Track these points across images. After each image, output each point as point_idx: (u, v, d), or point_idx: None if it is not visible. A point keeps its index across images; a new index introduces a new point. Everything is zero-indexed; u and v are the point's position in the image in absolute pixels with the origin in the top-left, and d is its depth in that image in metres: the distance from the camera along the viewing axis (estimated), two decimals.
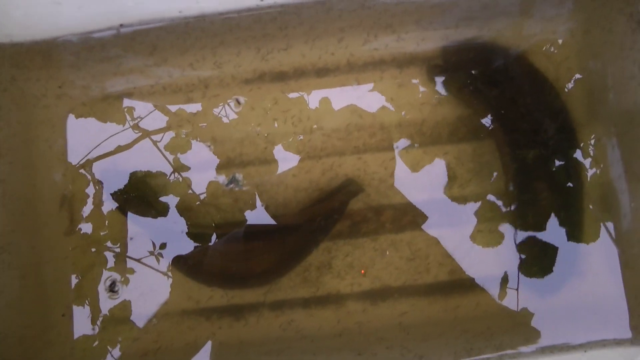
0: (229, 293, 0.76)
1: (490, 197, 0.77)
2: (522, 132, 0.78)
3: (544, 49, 0.78)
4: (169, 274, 0.73)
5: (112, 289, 0.73)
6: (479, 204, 0.76)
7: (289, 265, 0.78)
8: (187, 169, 0.77)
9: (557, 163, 0.77)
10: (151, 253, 0.73)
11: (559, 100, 0.77)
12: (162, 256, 0.74)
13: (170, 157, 0.74)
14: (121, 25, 0.73)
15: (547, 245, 0.74)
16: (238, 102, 0.75)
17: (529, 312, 0.71)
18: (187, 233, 0.75)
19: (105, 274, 0.73)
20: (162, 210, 0.73)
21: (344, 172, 0.77)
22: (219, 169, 0.76)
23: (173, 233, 0.73)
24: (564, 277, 0.71)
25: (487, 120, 0.78)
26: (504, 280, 0.73)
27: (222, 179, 0.75)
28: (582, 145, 0.77)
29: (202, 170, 0.76)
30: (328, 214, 0.77)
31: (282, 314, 0.76)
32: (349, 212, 0.77)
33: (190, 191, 0.74)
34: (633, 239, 0.71)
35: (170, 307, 0.75)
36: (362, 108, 0.78)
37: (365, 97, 0.78)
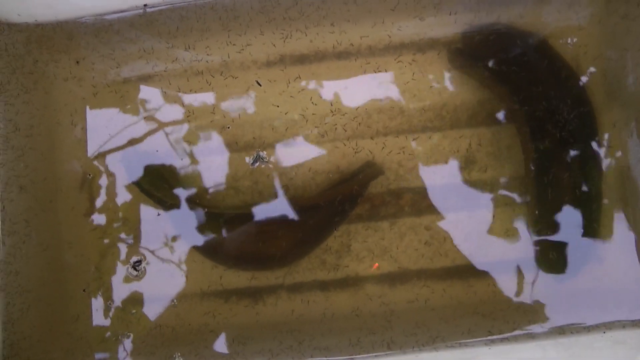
0: (247, 274, 0.77)
1: (510, 182, 0.75)
2: (542, 117, 0.77)
3: (563, 34, 0.77)
4: (190, 257, 0.73)
5: (135, 267, 0.72)
6: (498, 188, 0.76)
7: (308, 248, 0.78)
8: (202, 151, 0.75)
9: (577, 148, 0.75)
10: (166, 243, 0.73)
11: (579, 84, 0.77)
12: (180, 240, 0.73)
13: (187, 144, 0.74)
14: (145, 5, 0.71)
15: (561, 243, 0.74)
16: (258, 83, 0.73)
17: (546, 295, 0.70)
18: (206, 214, 0.74)
19: (129, 253, 0.73)
20: (179, 194, 0.73)
21: (364, 155, 0.77)
22: (240, 150, 0.75)
23: (192, 216, 0.73)
24: (582, 261, 0.71)
25: (507, 104, 0.78)
26: (522, 264, 0.72)
27: (247, 159, 0.73)
28: (601, 130, 0.76)
29: (222, 153, 0.76)
30: (347, 197, 0.77)
31: (300, 296, 0.76)
32: (369, 195, 0.77)
33: (207, 172, 0.74)
34: None
35: (189, 289, 0.74)
36: (382, 91, 0.78)
37: (385, 81, 0.78)
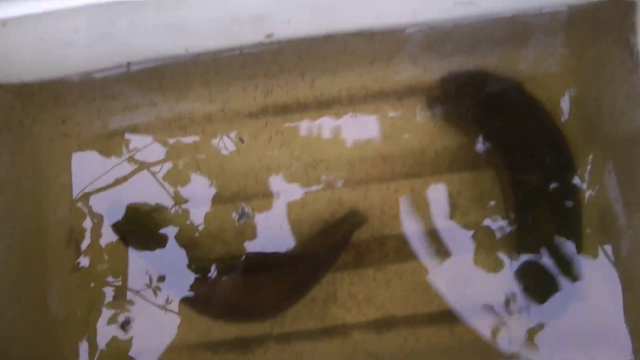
0: (235, 327, 0.77)
1: (491, 224, 0.77)
2: (520, 159, 0.79)
3: (539, 79, 0.80)
4: (176, 309, 0.74)
5: (124, 327, 0.73)
6: (480, 231, 0.77)
7: (294, 298, 0.79)
8: (186, 201, 0.77)
9: (556, 188, 0.77)
10: (148, 286, 0.74)
11: (556, 126, 0.79)
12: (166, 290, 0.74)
13: (171, 190, 0.76)
14: (129, 63, 0.74)
15: (547, 272, 0.75)
16: (241, 140, 0.76)
17: (532, 335, 0.72)
18: (189, 266, 0.75)
19: (113, 311, 0.74)
20: (163, 243, 0.75)
21: (348, 204, 0.78)
22: (224, 202, 0.77)
23: (176, 267, 0.74)
24: (565, 301, 0.72)
25: (485, 149, 0.80)
26: (507, 305, 0.73)
27: (232, 213, 0.76)
28: (579, 170, 0.78)
29: (205, 204, 0.78)
30: (332, 246, 0.79)
31: (289, 347, 0.77)
32: (353, 242, 0.78)
33: (191, 223, 0.75)
34: (632, 263, 0.73)
35: (177, 342, 0.75)
36: (364, 140, 0.80)
37: (366, 129, 0.80)
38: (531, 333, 0.74)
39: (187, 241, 0.78)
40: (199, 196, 0.80)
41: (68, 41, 0.66)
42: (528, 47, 0.80)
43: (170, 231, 0.78)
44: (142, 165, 0.78)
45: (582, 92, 0.80)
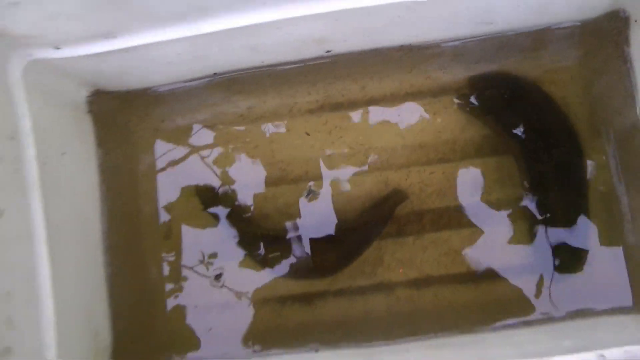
0: (301, 283, 0.88)
1: (510, 201, 0.86)
2: (535, 149, 0.88)
3: (553, 79, 0.88)
4: (255, 270, 0.87)
5: (217, 279, 0.86)
6: (501, 206, 0.86)
7: (349, 260, 0.88)
8: (267, 184, 0.88)
9: (566, 172, 0.87)
10: (202, 263, 0.87)
11: (567, 121, 0.87)
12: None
13: (262, 174, 0.88)
14: (215, 74, 0.84)
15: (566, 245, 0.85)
16: (307, 133, 0.87)
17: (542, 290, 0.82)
18: (266, 235, 0.87)
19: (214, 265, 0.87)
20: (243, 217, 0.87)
21: (392, 184, 0.88)
22: (291, 183, 0.88)
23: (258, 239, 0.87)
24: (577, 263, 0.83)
25: (505, 140, 0.89)
26: (523, 269, 0.84)
27: (303, 193, 0.87)
28: (586, 157, 0.87)
29: (278, 185, 0.88)
30: (379, 218, 0.88)
31: (344, 299, 0.87)
32: (396, 216, 0.87)
33: (265, 200, 0.87)
34: (630, 231, 0.83)
35: (256, 297, 0.87)
36: (405, 130, 0.89)
37: (407, 122, 0.89)
38: (547, 291, 0.83)
39: (265, 218, 0.89)
40: (271, 180, 0.90)
41: (171, 61, 0.77)
42: (543, 55, 0.88)
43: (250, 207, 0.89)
44: (224, 154, 0.89)
45: (588, 93, 0.87)
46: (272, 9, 0.67)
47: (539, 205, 0.87)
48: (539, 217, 0.87)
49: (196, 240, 0.89)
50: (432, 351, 0.77)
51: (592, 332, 0.76)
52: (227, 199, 0.90)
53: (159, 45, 0.72)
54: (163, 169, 0.90)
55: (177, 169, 0.90)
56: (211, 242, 0.90)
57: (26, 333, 0.67)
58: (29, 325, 0.67)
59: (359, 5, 0.67)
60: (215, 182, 0.89)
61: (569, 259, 0.86)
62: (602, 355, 0.66)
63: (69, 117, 0.79)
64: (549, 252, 0.85)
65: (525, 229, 0.87)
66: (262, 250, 0.90)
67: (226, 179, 0.89)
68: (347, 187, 0.89)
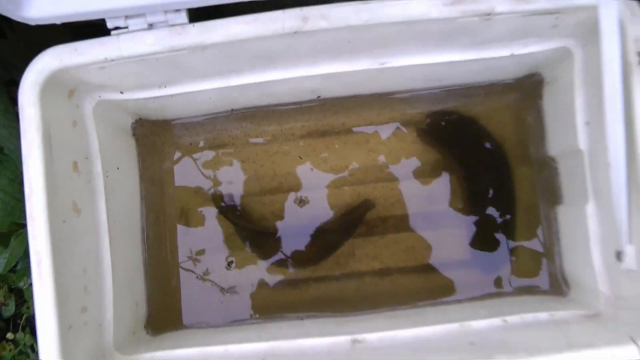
0: (291, 271, 0.99)
1: (453, 210, 0.99)
2: (475, 171, 1.00)
3: (490, 117, 0.99)
4: (252, 260, 1.00)
5: (229, 265, 0.99)
6: (447, 216, 0.99)
7: (328, 254, 1.00)
8: (267, 193, 0.99)
9: (497, 189, 1.00)
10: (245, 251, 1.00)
11: (500, 150, 0.99)
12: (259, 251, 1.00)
13: (263, 185, 0.99)
14: (232, 110, 0.96)
15: (496, 240, 0.98)
16: (300, 157, 0.98)
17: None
18: (263, 232, 0.99)
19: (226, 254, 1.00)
20: (246, 218, 1.00)
21: (363, 195, 1.00)
22: (287, 192, 1.00)
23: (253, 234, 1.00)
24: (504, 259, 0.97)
25: (452, 164, 1.00)
26: (460, 263, 0.98)
27: (293, 200, 1.00)
28: (515, 178, 0.99)
29: (274, 194, 1.00)
30: (353, 221, 0.99)
31: (323, 285, 0.98)
32: (366, 220, 0.99)
33: (263, 205, 0.99)
34: (548, 243, 0.96)
35: (256, 280, 0.99)
36: (375, 154, 1.00)
37: (376, 148, 1.00)
38: (476, 278, 0.96)
39: (264, 219, 1.00)
40: (271, 189, 1.00)
41: (202, 101, 0.89)
42: (483, 101, 0.99)
43: (250, 211, 1.00)
44: (234, 166, 1.01)
45: (516, 130, 0.99)
46: (281, 71, 0.83)
47: (476, 215, 0.99)
48: (476, 224, 0.99)
49: (209, 235, 1.01)
50: (388, 320, 0.89)
51: (504, 306, 0.89)
52: (234, 204, 1.01)
53: (196, 92, 0.85)
54: (185, 179, 1.02)
55: (197, 179, 1.01)
56: (221, 237, 1.02)
57: (95, 299, 0.81)
58: (96, 293, 0.83)
59: (342, 70, 0.84)
60: (227, 191, 1.01)
61: (497, 262, 0.98)
62: (505, 320, 0.82)
63: (120, 140, 0.92)
64: (484, 251, 0.99)
65: (465, 232, 0.98)
66: (260, 245, 1.01)
67: (236, 188, 1.01)
68: (328, 197, 1.00)
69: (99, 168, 0.85)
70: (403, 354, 0.80)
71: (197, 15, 0.73)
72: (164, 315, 0.97)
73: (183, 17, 0.72)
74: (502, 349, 0.75)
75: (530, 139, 0.98)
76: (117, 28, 0.73)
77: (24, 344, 1.18)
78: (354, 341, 0.84)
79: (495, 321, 0.83)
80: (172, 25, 0.73)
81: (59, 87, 0.77)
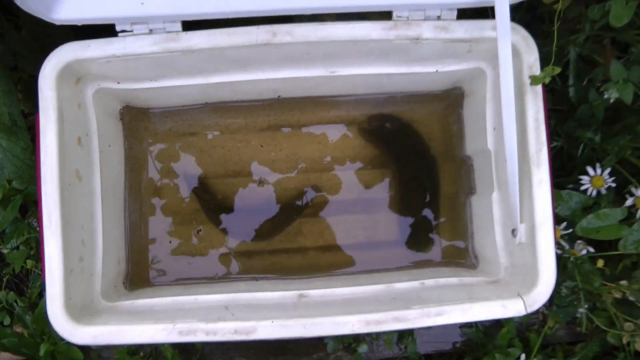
0: (246, 244, 1.13)
1: (389, 199, 1.13)
2: (407, 165, 1.13)
3: (422, 121, 1.12)
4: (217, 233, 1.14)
5: (198, 232, 1.11)
6: (381, 203, 1.12)
7: (280, 230, 1.13)
8: (231, 176, 1.12)
9: (426, 180, 1.14)
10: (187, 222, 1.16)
11: (429, 150, 1.13)
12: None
13: (229, 168, 1.13)
14: (206, 103, 1.10)
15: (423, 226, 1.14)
16: (261, 145, 1.11)
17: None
18: (226, 208, 1.12)
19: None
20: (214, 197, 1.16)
21: (312, 182, 1.13)
22: (248, 175, 1.12)
23: (222, 211, 1.13)
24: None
25: (388, 159, 1.14)
26: (392, 242, 1.12)
27: (256, 182, 1.13)
28: (441, 172, 1.13)
29: (237, 177, 1.13)
30: (302, 203, 1.12)
31: (274, 257, 1.11)
32: (313, 203, 1.13)
33: (227, 186, 1.13)
34: (473, 231, 1.10)
35: (218, 248, 1.12)
36: (323, 147, 1.14)
37: (324, 141, 1.13)
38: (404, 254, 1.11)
39: (228, 198, 1.13)
40: (236, 172, 1.12)
41: (181, 94, 1.03)
42: (417, 107, 1.13)
43: (218, 191, 1.13)
44: (204, 150, 1.13)
45: (443, 133, 1.13)
46: (251, 74, 0.97)
47: (406, 202, 1.13)
48: (406, 210, 1.13)
49: (179, 209, 1.13)
50: (327, 282, 1.05)
51: (424, 274, 1.04)
52: (202, 183, 1.13)
53: (180, 87, 1.00)
54: (161, 158, 1.13)
55: (171, 160, 1.13)
56: (190, 211, 1.14)
57: (89, 251, 0.95)
58: (90, 247, 0.96)
59: (300, 75, 0.98)
60: (197, 171, 1.14)
61: (421, 241, 1.13)
62: (423, 283, 0.99)
63: (111, 122, 1.04)
64: (411, 232, 1.13)
65: (396, 216, 1.12)
66: (222, 219, 1.12)
67: (205, 169, 1.14)
68: (283, 181, 1.13)
69: (96, 144, 1.00)
70: (339, 305, 0.97)
71: (190, 24, 0.92)
72: (139, 273, 1.10)
73: (178, 26, 0.91)
74: (417, 301, 0.93)
75: (453, 140, 1.13)
76: (123, 31, 0.91)
77: (7, 301, 1.30)
78: (300, 295, 1.01)
79: (415, 284, 0.99)
80: (169, 32, 0.91)
81: (70, 75, 0.94)
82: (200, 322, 0.89)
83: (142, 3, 0.84)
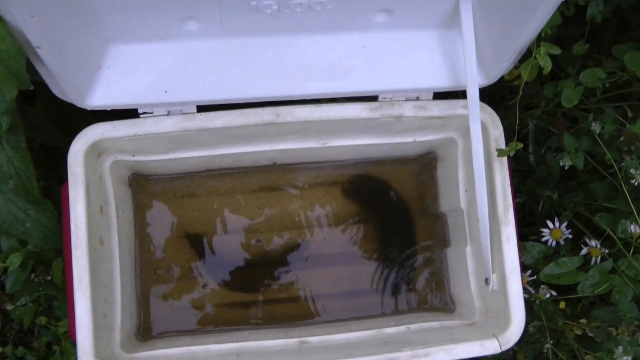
0: (241, 295, 1.24)
1: (371, 252, 1.22)
2: (385, 221, 1.23)
3: (400, 180, 1.22)
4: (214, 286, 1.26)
5: (203, 288, 1.23)
6: (365, 255, 1.22)
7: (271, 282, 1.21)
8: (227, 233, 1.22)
9: (402, 233, 1.23)
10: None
11: (406, 206, 1.23)
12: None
13: (226, 225, 1.23)
14: (208, 169, 1.18)
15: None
16: (258, 208, 1.19)
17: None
18: (224, 263, 1.22)
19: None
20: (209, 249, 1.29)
21: (300, 237, 1.22)
22: (244, 232, 1.21)
23: (218, 264, 1.23)
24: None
25: (369, 216, 1.23)
26: (375, 289, 1.24)
27: (252, 241, 1.21)
28: (416, 225, 1.23)
29: (232, 235, 1.21)
30: (291, 258, 1.22)
31: (271, 305, 1.21)
32: (302, 256, 1.23)
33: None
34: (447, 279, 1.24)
35: (206, 302, 1.25)
36: (309, 205, 1.22)
37: (310, 201, 1.21)
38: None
39: (222, 250, 1.20)
40: (231, 229, 1.22)
41: (189, 164, 1.13)
42: (395, 169, 1.22)
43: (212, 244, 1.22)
44: (202, 211, 1.22)
45: (419, 192, 1.24)
46: (252, 147, 1.07)
47: (387, 254, 1.22)
48: (387, 261, 1.22)
49: (183, 264, 1.21)
50: (324, 328, 1.15)
51: (408, 319, 1.18)
52: (200, 239, 1.21)
53: (189, 158, 1.10)
54: (164, 219, 1.21)
55: (176, 221, 1.21)
56: (193, 264, 1.22)
57: (110, 308, 1.02)
58: (111, 304, 1.05)
59: (295, 147, 1.11)
60: (199, 230, 1.21)
61: (401, 290, 1.21)
62: (408, 327, 1.11)
63: (122, 189, 1.12)
64: (392, 281, 1.21)
65: (378, 266, 1.22)
66: (221, 274, 1.21)
67: (205, 229, 1.21)
68: (272, 238, 1.22)
69: (114, 211, 1.08)
70: (337, 349, 1.09)
71: (203, 106, 1.05)
72: (149, 325, 1.17)
73: (193, 108, 1.04)
74: (405, 344, 1.04)
75: (428, 198, 1.23)
76: (144, 113, 1.04)
77: (14, 355, 1.38)
78: (301, 342, 1.12)
79: (402, 328, 1.11)
80: (185, 114, 1.05)
81: (94, 151, 1.06)
82: None
83: (166, 91, 0.96)
